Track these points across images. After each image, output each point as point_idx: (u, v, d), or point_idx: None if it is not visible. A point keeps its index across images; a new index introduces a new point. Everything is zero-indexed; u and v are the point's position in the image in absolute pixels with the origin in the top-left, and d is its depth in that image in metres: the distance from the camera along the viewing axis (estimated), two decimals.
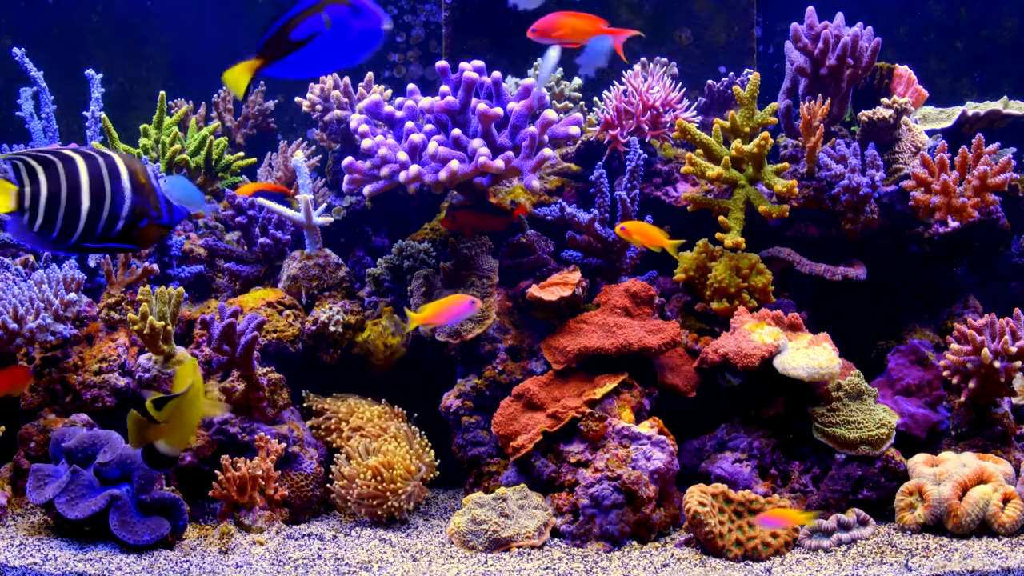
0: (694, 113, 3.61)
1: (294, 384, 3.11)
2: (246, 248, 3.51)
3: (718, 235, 3.12)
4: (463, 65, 3.04)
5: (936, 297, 3.40)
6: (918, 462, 2.71)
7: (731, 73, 3.85)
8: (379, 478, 2.81)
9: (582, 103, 3.86)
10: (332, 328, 3.15)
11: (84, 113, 3.91)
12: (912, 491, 2.65)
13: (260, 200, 3.42)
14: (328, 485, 2.94)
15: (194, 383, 2.24)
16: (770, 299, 3.10)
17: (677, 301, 3.28)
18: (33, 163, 2.14)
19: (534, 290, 3.03)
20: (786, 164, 3.13)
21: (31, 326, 2.82)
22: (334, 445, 3.01)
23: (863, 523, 2.62)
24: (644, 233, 2.98)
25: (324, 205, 3.51)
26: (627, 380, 2.90)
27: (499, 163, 2.91)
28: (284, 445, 2.86)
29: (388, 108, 3.11)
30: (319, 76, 2.23)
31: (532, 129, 2.99)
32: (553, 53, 2.77)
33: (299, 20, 2.14)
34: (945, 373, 2.89)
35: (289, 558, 2.54)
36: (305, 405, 3.17)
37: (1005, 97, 3.60)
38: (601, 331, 2.93)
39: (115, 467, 2.61)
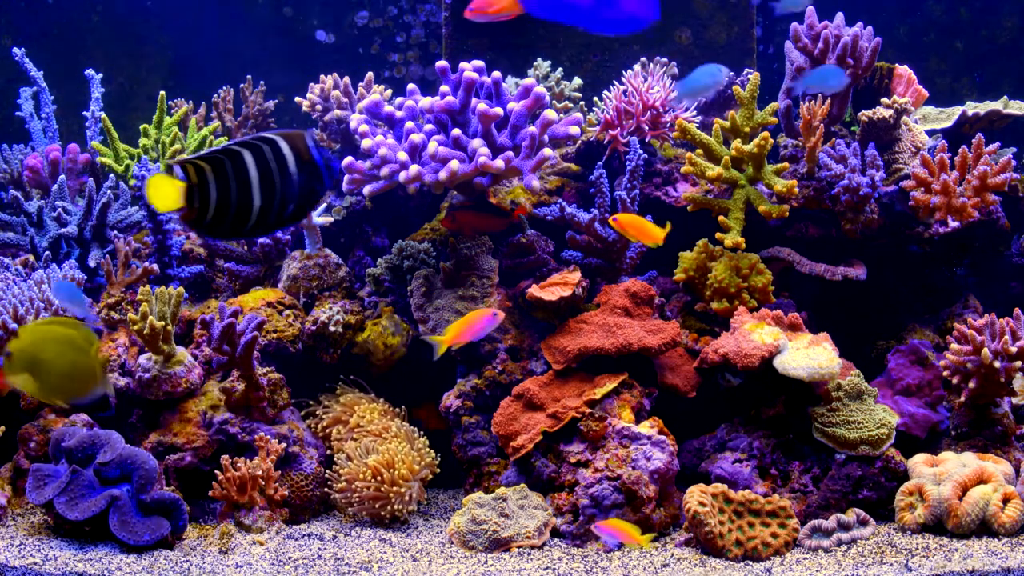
0: (694, 113, 3.61)
1: (294, 384, 3.11)
2: (246, 248, 3.51)
3: (718, 235, 3.12)
4: (463, 65, 3.04)
5: (936, 297, 3.40)
6: (918, 462, 2.71)
7: (731, 73, 3.85)
8: (379, 478, 2.81)
9: (582, 103, 3.86)
10: (332, 328, 3.15)
11: (84, 113, 3.91)
12: (912, 491, 2.65)
13: None
14: (327, 489, 2.93)
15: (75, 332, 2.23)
16: (770, 299, 3.10)
17: (677, 301, 3.28)
18: (202, 164, 2.09)
19: (534, 290, 3.03)
20: (786, 164, 3.13)
21: None
22: (334, 449, 3.01)
23: (863, 523, 2.62)
24: (636, 226, 2.97)
25: (324, 205, 3.51)
26: (627, 380, 2.90)
27: (499, 163, 2.91)
28: (284, 445, 2.86)
29: (388, 108, 3.11)
30: (563, 22, 2.16)
31: (532, 129, 2.99)
32: (710, 74, 2.78)
33: None
34: (945, 373, 2.89)
35: (289, 558, 2.54)
36: (304, 413, 3.17)
37: (1005, 97, 3.60)
38: (601, 331, 2.93)
39: (115, 467, 2.61)
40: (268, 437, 2.83)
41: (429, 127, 3.07)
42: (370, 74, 3.83)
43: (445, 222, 3.26)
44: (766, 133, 3.07)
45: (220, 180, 2.11)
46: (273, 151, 2.14)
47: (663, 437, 2.75)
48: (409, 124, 3.03)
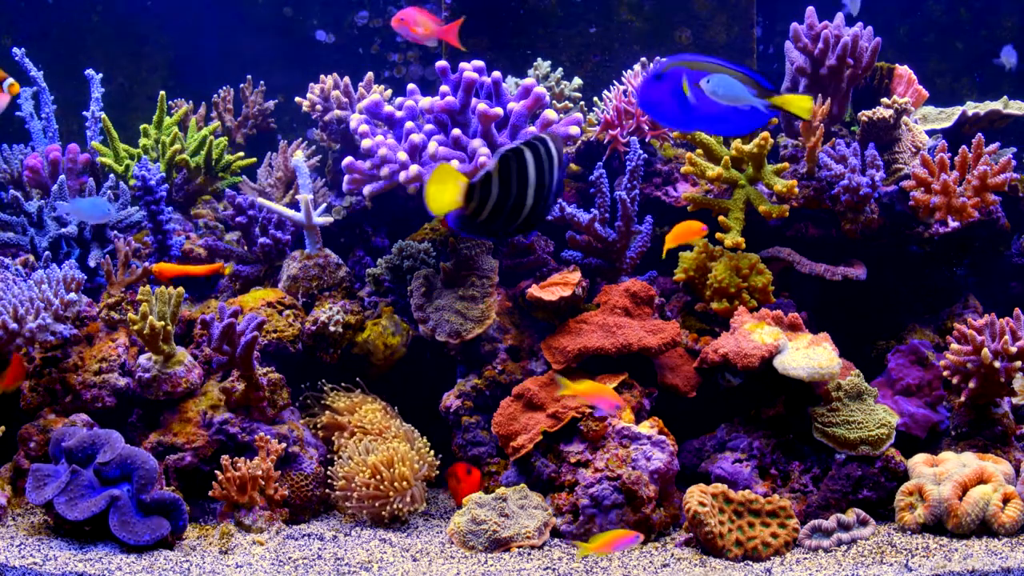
0: None
1: (294, 384, 3.11)
2: (246, 248, 3.51)
3: (718, 235, 3.12)
4: (463, 65, 3.04)
5: (936, 297, 3.40)
6: (918, 462, 2.71)
7: None
8: (379, 477, 2.81)
9: (582, 103, 3.86)
10: (332, 328, 3.15)
11: (84, 113, 3.91)
12: (912, 491, 2.65)
13: (260, 200, 3.42)
14: (328, 489, 2.93)
15: None
16: (770, 299, 3.10)
17: (677, 301, 3.29)
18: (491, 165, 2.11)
19: (534, 290, 3.03)
20: (786, 164, 3.13)
21: (31, 326, 2.82)
22: (335, 448, 3.01)
23: (863, 523, 2.62)
24: (683, 231, 3.01)
25: (324, 205, 3.51)
26: (627, 380, 2.90)
27: None
28: (284, 445, 2.86)
29: (388, 108, 3.11)
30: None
31: (532, 129, 2.99)
32: None
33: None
34: (945, 373, 2.89)
35: (289, 558, 2.54)
36: (303, 413, 3.17)
37: (1005, 97, 3.60)
38: (601, 331, 2.93)
39: (115, 467, 2.61)
40: (268, 437, 2.83)
41: (429, 127, 3.07)
42: (370, 74, 3.83)
43: (445, 222, 3.26)
44: (766, 133, 3.07)
45: (504, 178, 2.07)
46: (546, 152, 2.13)
47: (663, 437, 2.75)
48: (409, 124, 3.03)
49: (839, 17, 3.27)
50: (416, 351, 3.26)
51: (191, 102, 4.19)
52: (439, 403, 3.08)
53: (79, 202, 3.30)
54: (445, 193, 2.09)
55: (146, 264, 3.24)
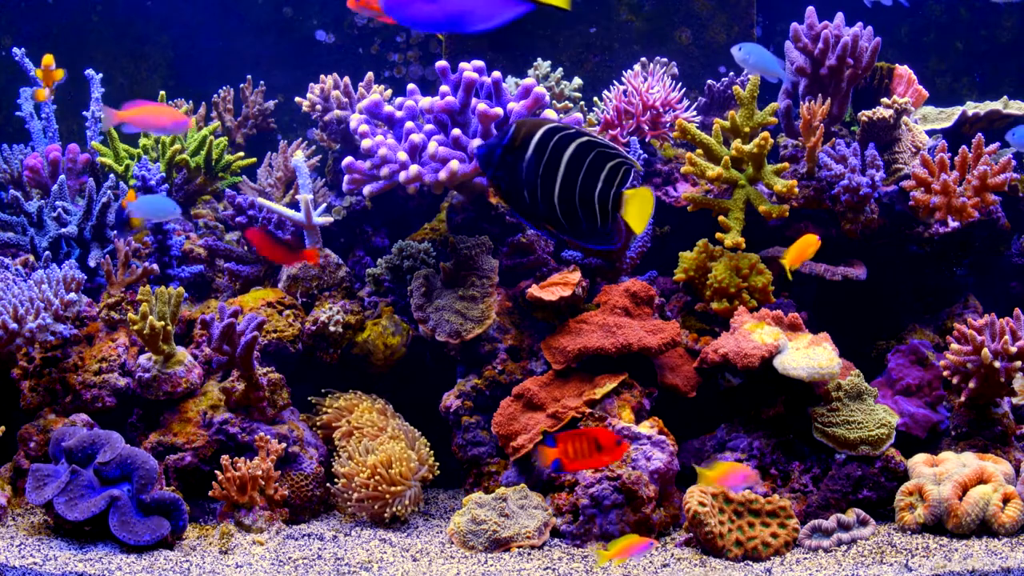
0: (694, 113, 3.61)
1: (294, 384, 3.11)
2: (246, 248, 3.51)
3: (718, 235, 3.12)
4: (463, 65, 3.04)
5: (936, 297, 3.40)
6: (918, 462, 2.71)
7: (731, 73, 3.85)
8: (378, 477, 2.81)
9: (582, 103, 3.85)
10: (332, 328, 3.15)
11: (84, 113, 3.91)
12: (912, 491, 2.65)
13: (260, 200, 3.42)
14: (328, 488, 2.94)
15: None
16: (770, 299, 3.10)
17: (677, 301, 3.29)
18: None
19: (534, 290, 3.03)
20: (786, 164, 3.13)
21: (31, 326, 2.82)
22: (335, 445, 3.01)
23: (863, 523, 2.62)
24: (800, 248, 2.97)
25: (324, 205, 3.51)
26: (627, 380, 2.90)
27: None
28: (284, 445, 2.86)
29: (388, 108, 3.11)
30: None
31: None
32: None
33: None
34: (945, 373, 2.89)
35: (289, 558, 2.54)
36: (303, 413, 3.17)
37: (1005, 97, 3.60)
38: (601, 331, 2.93)
39: (115, 467, 2.61)
40: (268, 437, 2.83)
41: (429, 127, 3.07)
42: (370, 74, 3.83)
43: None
44: (766, 133, 3.07)
45: None
46: None
47: (663, 437, 2.75)
48: (409, 124, 3.03)
49: (839, 17, 3.27)
50: (416, 351, 3.26)
51: (191, 102, 4.18)
52: (439, 403, 3.08)
53: (145, 199, 3.27)
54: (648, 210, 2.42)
55: (146, 264, 3.24)
